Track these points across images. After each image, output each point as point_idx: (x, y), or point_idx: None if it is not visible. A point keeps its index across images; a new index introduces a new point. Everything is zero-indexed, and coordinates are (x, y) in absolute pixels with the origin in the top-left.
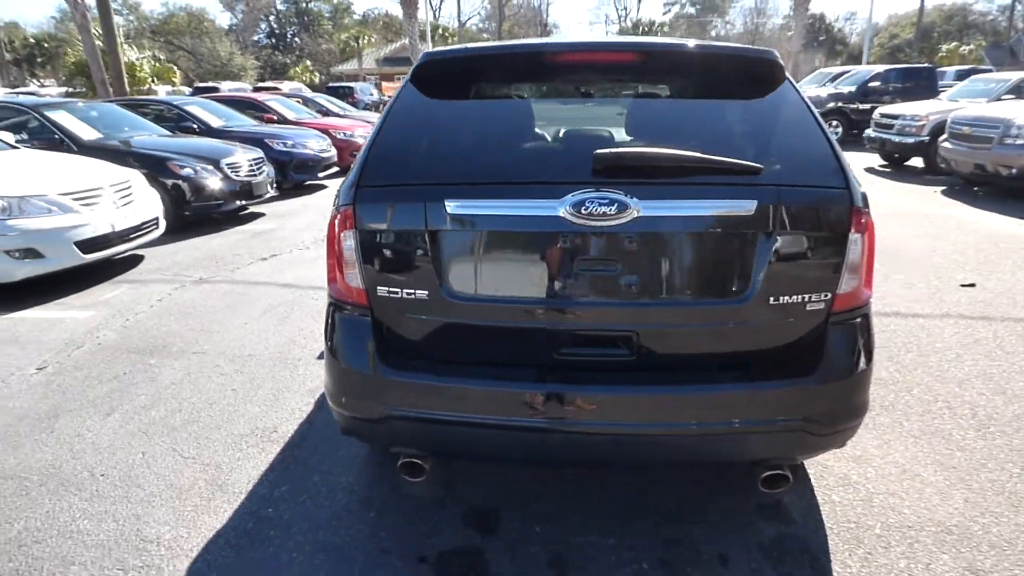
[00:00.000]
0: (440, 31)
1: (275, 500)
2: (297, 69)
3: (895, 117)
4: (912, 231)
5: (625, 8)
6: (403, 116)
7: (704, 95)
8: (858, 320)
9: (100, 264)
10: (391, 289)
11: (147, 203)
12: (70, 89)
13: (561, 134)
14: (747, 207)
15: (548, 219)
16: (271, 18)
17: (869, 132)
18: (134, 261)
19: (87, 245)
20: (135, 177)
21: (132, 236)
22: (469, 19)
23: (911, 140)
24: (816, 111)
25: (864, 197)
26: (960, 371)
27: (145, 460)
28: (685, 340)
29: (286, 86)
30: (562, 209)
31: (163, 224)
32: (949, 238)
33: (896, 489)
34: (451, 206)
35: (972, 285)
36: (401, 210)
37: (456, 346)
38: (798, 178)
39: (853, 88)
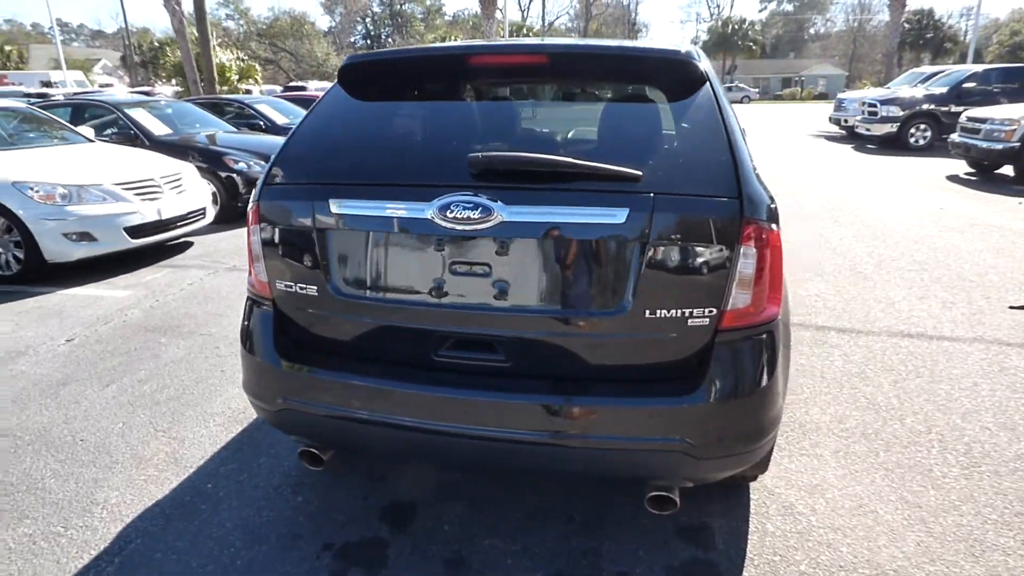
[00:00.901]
0: (524, 30)
1: (218, 476)
2: None
3: (982, 121)
4: (975, 245)
5: (718, 5)
6: (321, 116)
7: (612, 97)
8: (755, 339)
9: (152, 248)
10: (287, 283)
11: (196, 194)
12: (179, 89)
13: (453, 137)
14: (617, 216)
15: (418, 221)
16: (367, 20)
17: (953, 137)
18: (183, 247)
19: (135, 231)
20: (187, 170)
21: (178, 224)
22: (557, 18)
23: (999, 146)
24: (731, 115)
25: (767, 209)
26: (971, 402)
27: (122, 430)
28: (559, 349)
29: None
30: (430, 212)
31: (211, 214)
32: (1016, 255)
33: (842, 525)
34: (334, 206)
35: (1023, 308)
36: (294, 208)
37: (343, 342)
38: (679, 186)
39: (945, 89)
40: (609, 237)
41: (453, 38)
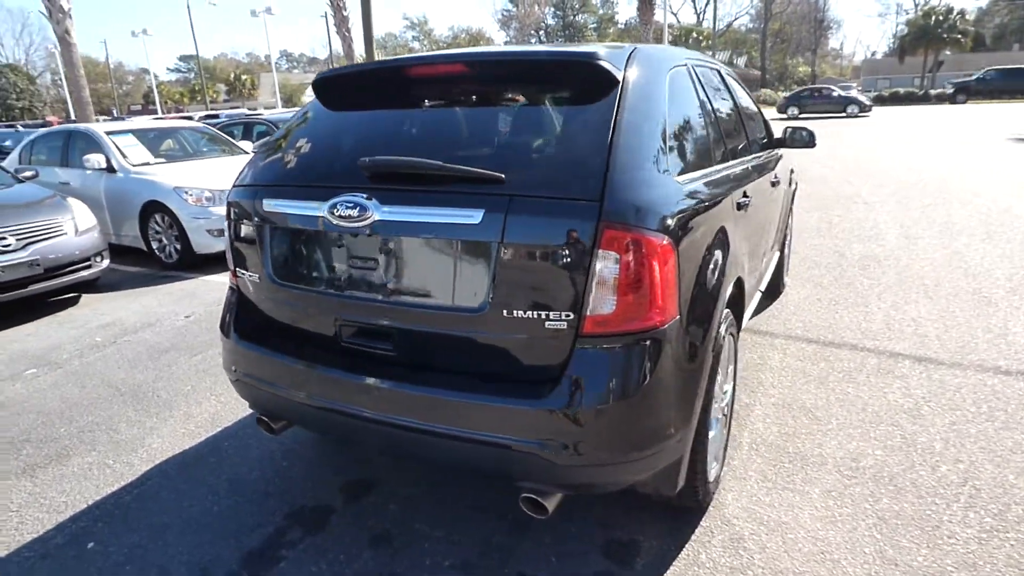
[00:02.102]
0: (694, 34)
1: (236, 438)
2: None
3: None
4: None
5: None
6: (294, 125)
7: (522, 101)
8: (626, 348)
9: None
10: (241, 271)
11: None
12: None
13: (366, 142)
14: (473, 216)
15: (315, 218)
16: (540, 32)
17: None
18: None
19: None
20: None
21: None
22: (736, 19)
23: None
24: (642, 121)
25: (650, 216)
26: (1011, 446)
27: (188, 391)
28: (434, 343)
29: None
30: (323, 210)
31: None
32: None
33: (787, 569)
34: (267, 204)
35: None
36: (244, 205)
37: (277, 324)
38: (538, 189)
39: None
40: (467, 237)
41: None
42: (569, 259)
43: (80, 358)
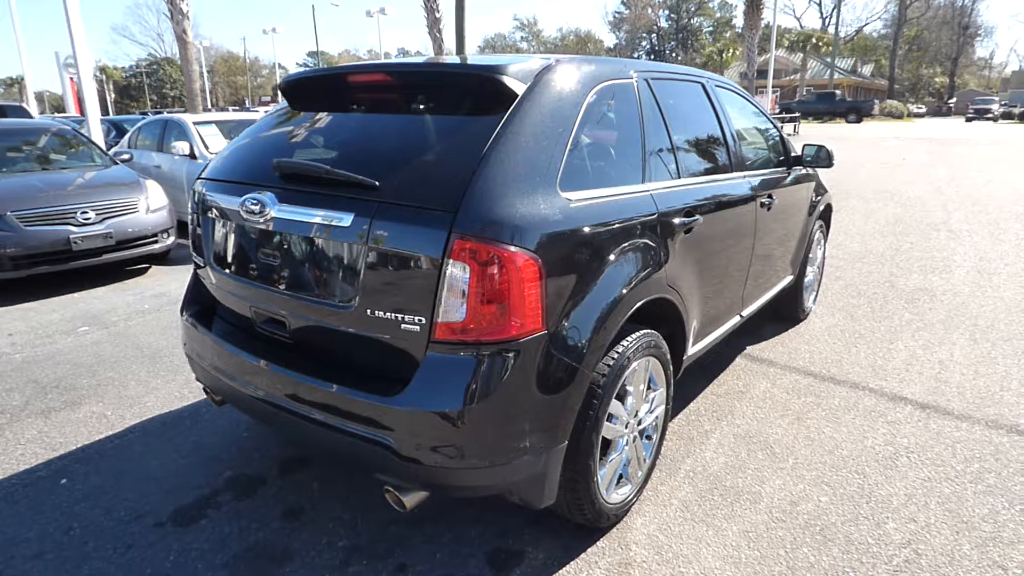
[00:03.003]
0: (814, 40)
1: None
2: None
3: None
4: None
5: None
6: (260, 123)
7: (429, 112)
8: (475, 356)
9: None
10: (196, 255)
11: None
12: None
13: (291, 143)
14: (344, 219)
15: (232, 211)
16: (652, 36)
17: None
18: None
19: None
20: None
21: None
22: (866, 24)
23: None
24: (515, 132)
25: (494, 225)
26: (984, 513)
27: None
28: (318, 335)
29: None
30: (237, 204)
31: None
32: None
33: None
34: (208, 195)
35: None
36: (199, 195)
37: (214, 307)
38: (403, 197)
39: None
40: (339, 238)
41: (732, 51)
42: (423, 266)
43: (125, 321)
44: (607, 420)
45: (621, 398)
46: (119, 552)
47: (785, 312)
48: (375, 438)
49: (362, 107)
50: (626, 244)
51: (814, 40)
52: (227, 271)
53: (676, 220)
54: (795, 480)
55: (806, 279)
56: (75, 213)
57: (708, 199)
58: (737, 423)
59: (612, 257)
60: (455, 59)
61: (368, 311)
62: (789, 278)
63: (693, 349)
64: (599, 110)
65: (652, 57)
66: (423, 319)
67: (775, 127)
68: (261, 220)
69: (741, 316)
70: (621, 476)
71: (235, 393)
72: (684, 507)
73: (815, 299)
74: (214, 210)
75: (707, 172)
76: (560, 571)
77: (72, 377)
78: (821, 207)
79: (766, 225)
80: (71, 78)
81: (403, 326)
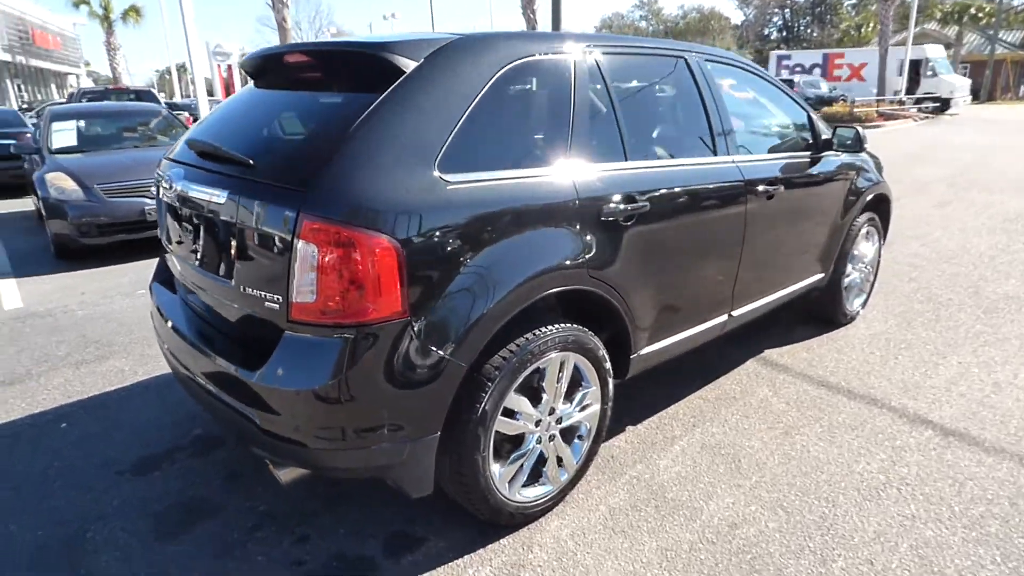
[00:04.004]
0: (972, 9)
1: None
2: None
3: None
4: None
5: None
6: (224, 103)
7: (329, 90)
8: (328, 337)
9: None
10: (160, 230)
11: None
12: None
13: (227, 122)
14: (220, 196)
15: (158, 188)
16: (785, 10)
17: None
18: None
19: None
20: None
21: None
22: None
23: None
24: (391, 109)
25: (347, 206)
26: (967, 565)
27: None
28: (215, 308)
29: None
30: (163, 180)
31: None
32: None
33: None
34: (159, 172)
35: None
36: (158, 175)
37: (170, 279)
38: (266, 175)
39: None
40: (218, 214)
41: (872, 25)
42: (278, 245)
43: None
44: (507, 416)
45: (533, 394)
46: (78, 493)
47: (820, 314)
48: (243, 411)
49: (284, 86)
50: (524, 231)
51: (972, 10)
52: (169, 245)
53: (609, 207)
54: (749, 500)
55: (847, 279)
56: (151, 187)
57: (665, 185)
58: (712, 431)
59: (501, 244)
60: (353, 40)
61: (241, 287)
62: (816, 276)
63: (648, 349)
64: (511, 89)
65: (783, 34)
66: (281, 298)
67: (801, 107)
68: (171, 195)
69: (731, 316)
70: (539, 475)
71: (171, 363)
72: (610, 515)
73: (864, 302)
74: (159, 186)
75: (674, 156)
76: (450, 563)
77: (113, 334)
78: (868, 197)
79: (768, 216)
80: (218, 65)
81: (266, 304)
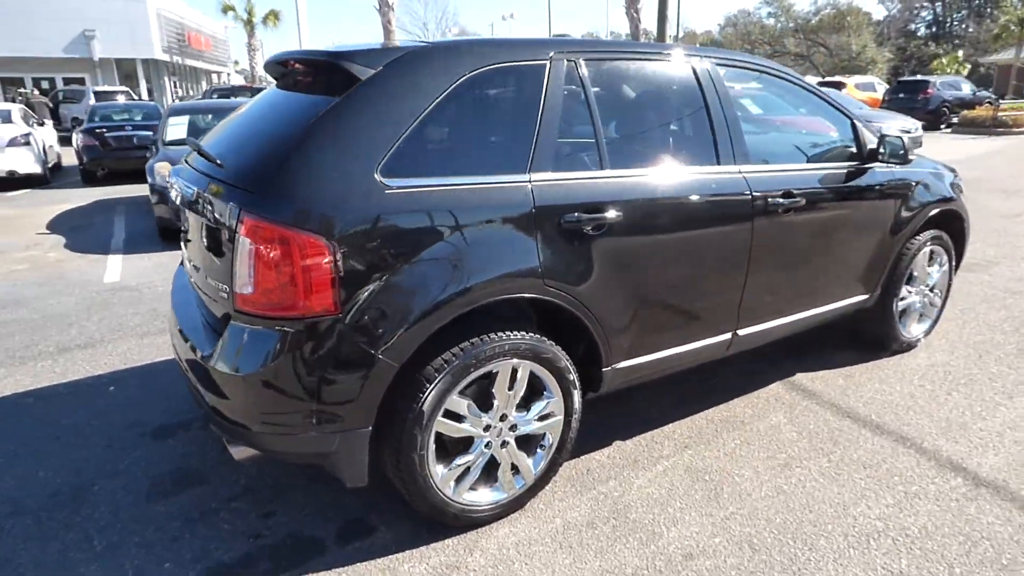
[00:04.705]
0: None
1: None
2: (943, 60)
3: None
4: None
5: None
6: (248, 103)
7: (302, 95)
8: (261, 328)
9: None
10: None
11: None
12: None
13: (240, 122)
14: (195, 191)
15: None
16: (936, 4)
17: None
18: None
19: None
20: None
21: None
22: None
23: None
24: (338, 115)
25: (282, 206)
26: None
27: None
28: (199, 293)
29: (854, 80)
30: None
31: None
32: None
33: None
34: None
35: None
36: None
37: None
38: (227, 174)
39: None
40: (194, 208)
41: None
42: (225, 239)
43: None
44: (451, 419)
45: (481, 399)
46: (102, 450)
47: (868, 338)
48: (203, 393)
49: (285, 89)
50: (469, 237)
51: None
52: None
53: (572, 216)
54: (716, 532)
55: (903, 301)
56: None
57: (645, 196)
58: (704, 455)
59: (442, 249)
60: (328, 49)
61: (207, 277)
62: (858, 297)
63: (627, 364)
64: (471, 96)
65: (933, 30)
66: (227, 287)
67: (844, 115)
68: (175, 189)
69: (737, 335)
70: (493, 480)
71: (172, 344)
72: (564, 529)
73: (929, 329)
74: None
75: (665, 166)
76: (390, 556)
77: (157, 312)
78: (932, 213)
79: (785, 231)
80: None
81: (220, 293)
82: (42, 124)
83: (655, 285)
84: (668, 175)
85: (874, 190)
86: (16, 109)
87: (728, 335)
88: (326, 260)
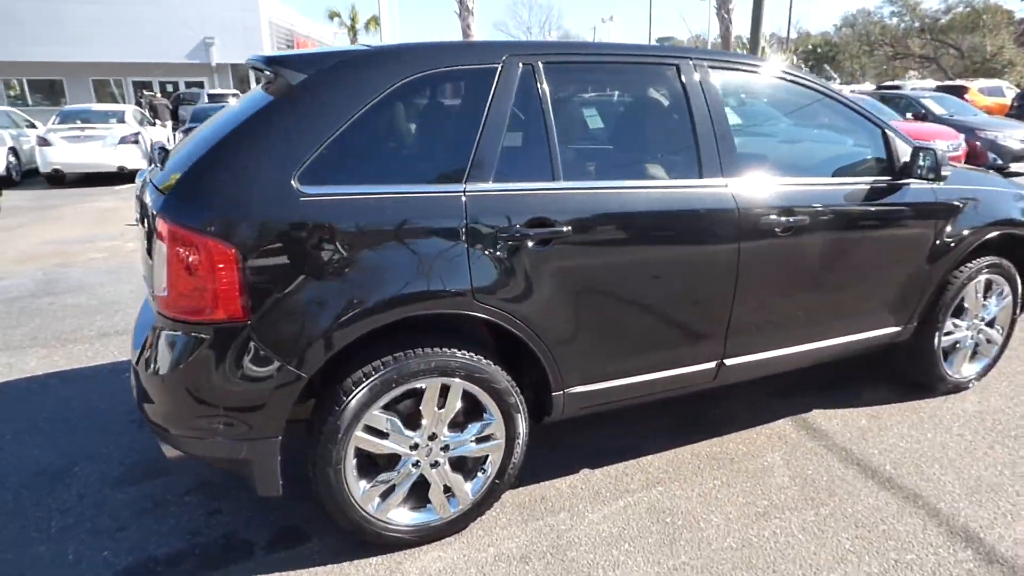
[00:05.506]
0: None
1: None
2: None
3: None
4: None
5: None
6: None
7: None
8: (173, 330)
9: None
10: None
11: None
12: None
13: (206, 125)
14: (144, 193)
15: None
16: None
17: None
18: None
19: None
20: None
21: None
22: None
23: None
24: (260, 119)
25: (189, 210)
26: None
27: None
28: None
29: (978, 84)
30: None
31: None
32: None
33: None
34: None
35: None
36: None
37: None
38: (158, 177)
39: None
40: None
41: None
42: (153, 242)
43: None
44: (373, 435)
45: (409, 418)
46: (95, 434)
47: (906, 376)
48: (137, 395)
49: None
50: (389, 247)
51: None
52: None
53: (511, 229)
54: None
55: (949, 336)
56: None
57: (600, 210)
58: (675, 494)
59: (358, 259)
60: (291, 52)
61: (145, 279)
62: (888, 329)
63: (583, 389)
64: (405, 103)
65: None
66: (152, 289)
67: (875, 124)
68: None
69: (724, 364)
70: (426, 501)
71: None
72: (495, 560)
73: (984, 370)
74: None
75: (634, 177)
76: (311, 568)
77: None
78: (988, 237)
79: (785, 253)
80: None
81: (155, 293)
82: (153, 124)
83: (615, 307)
84: (631, 187)
85: (905, 209)
86: (130, 110)
87: (712, 364)
88: (234, 267)
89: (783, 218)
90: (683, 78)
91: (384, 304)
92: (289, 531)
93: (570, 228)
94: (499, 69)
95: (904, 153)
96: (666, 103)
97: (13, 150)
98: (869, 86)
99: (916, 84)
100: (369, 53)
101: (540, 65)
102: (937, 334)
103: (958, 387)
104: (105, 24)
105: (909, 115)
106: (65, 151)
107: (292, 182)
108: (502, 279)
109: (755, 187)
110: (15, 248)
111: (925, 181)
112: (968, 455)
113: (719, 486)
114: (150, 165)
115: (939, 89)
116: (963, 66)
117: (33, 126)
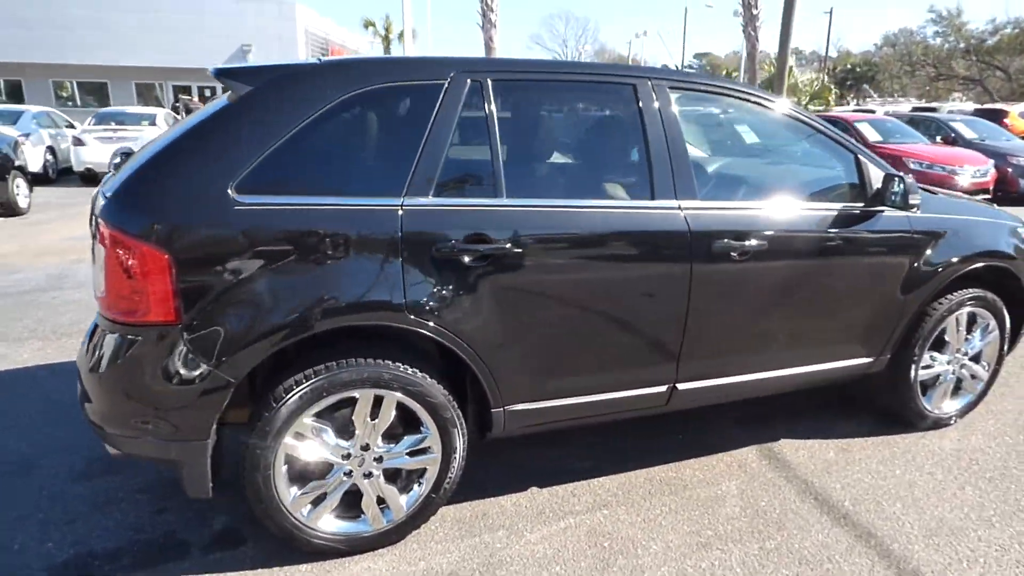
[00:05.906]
0: None
1: None
2: None
3: None
4: None
5: None
6: None
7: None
8: (109, 329)
9: None
10: None
11: None
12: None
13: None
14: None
15: None
16: None
17: None
18: None
19: None
20: None
21: None
22: None
23: None
24: (199, 128)
25: (124, 213)
26: None
27: None
28: None
29: (1019, 108)
30: None
31: None
32: None
33: None
34: None
35: None
36: None
37: None
38: (107, 183)
39: None
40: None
41: None
42: (96, 244)
43: None
44: (303, 442)
45: (343, 427)
46: (74, 429)
47: (883, 409)
48: (80, 395)
49: None
50: (321, 258)
51: None
52: None
53: (447, 245)
54: None
55: (927, 371)
56: None
57: (541, 229)
58: (620, 518)
59: (289, 269)
60: (252, 64)
61: (93, 280)
62: (857, 360)
63: (526, 407)
64: (348, 116)
65: None
66: (95, 291)
67: (847, 149)
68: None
69: (676, 389)
70: (357, 510)
71: None
72: (424, 574)
73: (967, 407)
74: None
75: (581, 197)
76: (243, 571)
77: None
78: (970, 268)
79: (741, 278)
80: None
81: (96, 295)
82: None
83: (557, 327)
84: (577, 206)
85: (874, 237)
86: (162, 113)
87: (663, 388)
88: (168, 271)
89: (740, 242)
90: (639, 98)
91: (313, 314)
92: (228, 533)
93: (510, 245)
94: (446, 85)
95: (876, 179)
96: (620, 123)
97: (51, 148)
98: (905, 106)
99: (954, 107)
100: (315, 67)
101: (489, 82)
102: (913, 367)
103: (938, 423)
104: (149, 31)
105: (939, 139)
106: (97, 151)
107: (229, 191)
108: (438, 293)
109: (711, 210)
110: (36, 243)
111: (903, 209)
112: (935, 495)
113: (666, 512)
114: (110, 170)
115: (977, 112)
116: (1010, 89)
117: (72, 126)
